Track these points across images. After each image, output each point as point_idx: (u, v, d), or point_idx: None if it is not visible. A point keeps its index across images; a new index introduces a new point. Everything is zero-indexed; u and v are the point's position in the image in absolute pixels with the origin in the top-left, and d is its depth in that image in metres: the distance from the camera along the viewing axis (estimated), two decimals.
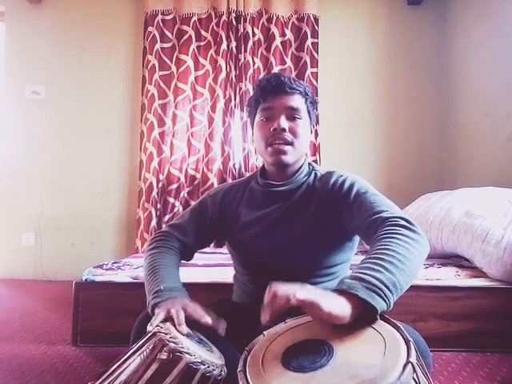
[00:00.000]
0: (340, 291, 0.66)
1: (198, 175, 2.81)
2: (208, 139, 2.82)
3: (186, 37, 2.87)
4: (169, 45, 2.86)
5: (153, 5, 2.86)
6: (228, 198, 1.09)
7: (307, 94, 1.01)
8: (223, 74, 2.82)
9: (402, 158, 2.96)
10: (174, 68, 2.85)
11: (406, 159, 2.95)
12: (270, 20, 2.87)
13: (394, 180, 2.91)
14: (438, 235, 1.81)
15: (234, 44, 2.82)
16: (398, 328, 0.61)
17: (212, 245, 2.57)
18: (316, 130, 2.78)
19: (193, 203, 1.18)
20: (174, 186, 2.78)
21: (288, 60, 2.87)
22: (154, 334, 0.71)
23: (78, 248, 2.90)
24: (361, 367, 0.54)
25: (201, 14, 2.88)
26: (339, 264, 1.02)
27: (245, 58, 2.82)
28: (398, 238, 0.76)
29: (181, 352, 0.67)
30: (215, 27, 2.86)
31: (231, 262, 1.16)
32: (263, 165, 1.09)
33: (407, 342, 0.56)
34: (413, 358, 0.53)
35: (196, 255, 1.13)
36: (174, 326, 0.75)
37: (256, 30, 2.85)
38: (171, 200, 2.77)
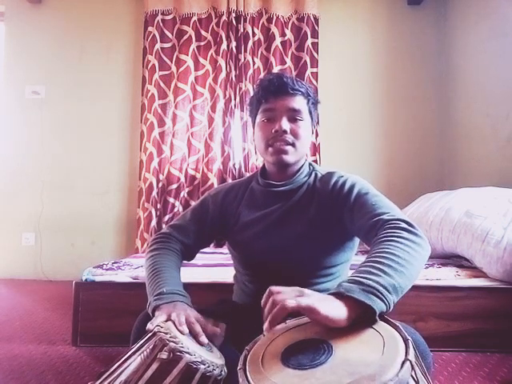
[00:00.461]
0: (337, 294, 0.66)
1: (198, 175, 2.82)
2: (208, 139, 2.82)
3: (185, 37, 2.87)
4: (169, 45, 2.86)
5: (153, 5, 2.87)
6: (229, 198, 1.09)
7: (309, 95, 1.01)
8: (223, 74, 2.82)
9: (402, 158, 2.96)
10: (173, 68, 2.85)
11: (405, 159, 2.95)
12: (269, 20, 2.87)
13: (394, 180, 2.91)
14: (438, 235, 1.81)
15: (233, 44, 2.82)
16: (396, 327, 0.61)
17: (212, 245, 2.57)
18: (316, 130, 2.78)
19: (193, 203, 1.18)
20: (174, 186, 2.78)
21: (288, 60, 2.87)
22: (155, 333, 0.71)
23: (78, 248, 2.90)
24: (359, 364, 0.54)
25: (201, 14, 2.89)
26: (339, 264, 1.02)
27: (245, 58, 2.82)
28: (398, 241, 0.75)
29: (181, 352, 0.67)
30: (215, 27, 2.86)
31: (231, 261, 1.16)
32: (263, 165, 1.09)
33: (405, 341, 0.57)
34: (411, 356, 0.53)
35: (196, 255, 1.13)
36: (175, 325, 0.75)
37: (256, 30, 2.85)
38: (171, 200, 2.77)
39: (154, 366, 0.66)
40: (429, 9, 2.99)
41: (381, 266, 0.70)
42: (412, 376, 0.52)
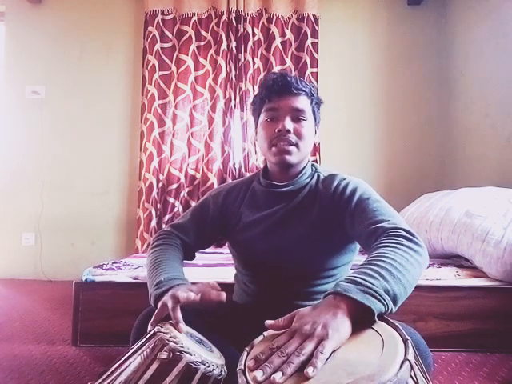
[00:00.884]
0: (335, 294, 0.66)
1: (198, 175, 2.82)
2: (208, 139, 2.82)
3: (185, 37, 2.87)
4: (169, 45, 2.86)
5: (153, 5, 2.87)
6: (230, 198, 1.09)
7: (313, 95, 1.00)
8: (223, 74, 2.82)
9: (402, 158, 2.96)
10: (174, 68, 2.85)
11: (405, 159, 2.95)
12: (269, 20, 2.88)
13: (394, 180, 2.91)
14: (438, 235, 1.81)
15: (233, 44, 2.82)
16: (396, 327, 0.61)
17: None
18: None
19: (194, 203, 1.18)
20: (174, 186, 2.78)
21: (288, 60, 2.87)
22: (154, 333, 0.71)
23: (78, 248, 2.90)
24: (359, 365, 0.54)
25: (201, 14, 2.89)
26: (340, 266, 1.01)
27: (245, 58, 2.82)
28: (397, 248, 0.75)
29: (181, 351, 0.67)
30: (215, 27, 2.86)
31: (231, 262, 1.16)
32: (265, 165, 1.08)
33: (405, 341, 0.57)
34: (410, 356, 0.53)
35: (196, 255, 1.13)
36: (174, 326, 0.75)
37: (256, 30, 2.86)
38: (171, 200, 2.77)
39: (154, 366, 0.66)
40: (429, 9, 2.99)
41: (378, 269, 0.69)
42: (411, 376, 0.52)
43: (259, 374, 0.55)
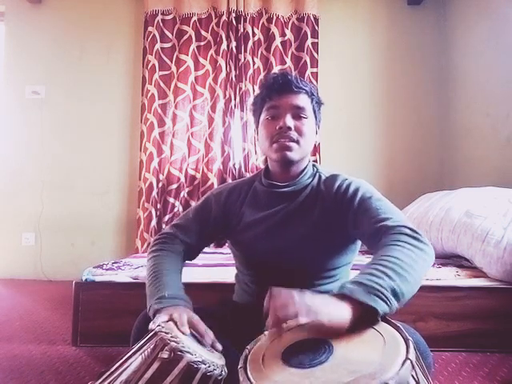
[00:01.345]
0: (340, 296, 0.66)
1: (198, 175, 2.82)
2: (208, 139, 2.82)
3: (186, 37, 2.87)
4: (169, 45, 2.86)
5: (153, 5, 2.86)
6: (232, 197, 1.09)
7: (313, 94, 1.01)
8: (223, 74, 2.82)
9: (402, 158, 2.96)
10: (174, 68, 2.85)
11: (405, 159, 2.95)
12: (269, 20, 2.88)
13: (394, 180, 2.91)
14: (438, 235, 1.81)
15: (234, 44, 2.82)
16: (397, 328, 0.61)
17: (212, 245, 2.57)
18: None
19: (194, 203, 1.18)
20: (174, 186, 2.78)
21: (288, 60, 2.87)
22: (156, 333, 0.71)
23: (78, 248, 2.90)
24: (360, 363, 0.54)
25: (201, 14, 2.89)
26: (341, 266, 1.02)
27: (245, 58, 2.82)
28: (402, 246, 0.75)
29: (182, 351, 0.67)
30: (215, 27, 2.86)
31: (231, 262, 1.16)
32: (267, 165, 1.09)
33: (406, 341, 0.57)
34: (411, 356, 0.53)
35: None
36: (176, 325, 0.75)
37: (256, 30, 2.85)
38: (171, 200, 2.77)
39: (155, 366, 0.66)
40: (429, 9, 2.99)
41: (384, 269, 0.70)
42: (412, 375, 0.53)
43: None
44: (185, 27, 2.87)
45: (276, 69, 2.84)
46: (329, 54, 2.95)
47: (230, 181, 2.71)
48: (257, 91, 1.07)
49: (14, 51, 2.98)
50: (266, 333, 0.72)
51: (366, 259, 1.66)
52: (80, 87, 2.97)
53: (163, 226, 2.70)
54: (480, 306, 1.46)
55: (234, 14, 2.83)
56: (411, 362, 0.53)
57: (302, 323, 0.61)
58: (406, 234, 0.79)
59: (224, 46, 2.82)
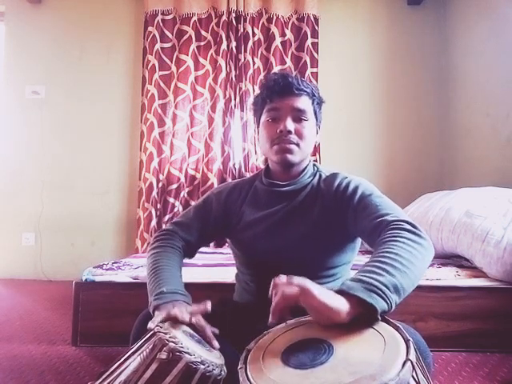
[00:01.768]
0: (340, 292, 0.66)
1: (198, 175, 2.82)
2: (208, 139, 2.82)
3: (186, 37, 2.87)
4: (169, 45, 2.86)
5: (153, 5, 2.86)
6: (232, 196, 1.09)
7: (314, 95, 1.01)
8: (223, 74, 2.82)
9: (402, 158, 2.96)
10: (174, 68, 2.85)
11: (405, 159, 2.95)
12: (269, 20, 2.87)
13: (394, 180, 2.91)
14: (438, 235, 1.81)
15: (234, 44, 2.82)
16: (397, 328, 0.61)
17: (212, 245, 2.57)
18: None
19: (195, 202, 1.18)
20: (174, 186, 2.78)
21: (288, 60, 2.87)
22: (154, 333, 0.71)
23: (78, 248, 2.90)
24: (360, 364, 0.54)
25: (201, 14, 2.89)
26: (341, 265, 1.02)
27: (245, 58, 2.82)
28: (401, 241, 0.76)
29: (180, 352, 0.67)
30: (215, 27, 2.86)
31: (231, 262, 1.16)
32: (267, 164, 1.09)
33: (406, 341, 0.57)
34: (412, 356, 0.53)
35: (196, 255, 1.13)
36: (174, 326, 0.75)
37: (256, 30, 2.85)
38: (171, 200, 2.77)
39: (154, 366, 0.66)
40: (429, 9, 2.99)
41: (384, 266, 0.70)
42: (413, 376, 0.52)
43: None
44: (185, 27, 2.87)
45: (276, 69, 2.84)
46: (329, 54, 2.95)
47: (230, 181, 2.71)
48: (257, 91, 1.07)
49: (14, 51, 2.98)
50: (265, 333, 0.72)
51: (366, 259, 1.66)
52: (80, 87, 2.97)
53: (163, 226, 2.70)
54: (480, 306, 1.46)
55: (234, 14, 2.83)
56: (412, 362, 0.53)
57: (299, 287, 0.64)
58: (406, 229, 0.79)
59: (224, 45, 2.82)
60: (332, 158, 2.86)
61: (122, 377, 0.65)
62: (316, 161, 2.78)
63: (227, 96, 2.84)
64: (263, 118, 1.01)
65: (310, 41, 2.85)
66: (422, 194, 2.36)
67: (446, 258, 1.87)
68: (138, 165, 2.87)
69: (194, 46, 2.85)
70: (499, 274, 1.50)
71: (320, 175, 1.04)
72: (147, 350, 0.68)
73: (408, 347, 0.56)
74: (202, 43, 2.87)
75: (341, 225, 0.95)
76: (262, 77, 2.83)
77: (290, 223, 0.99)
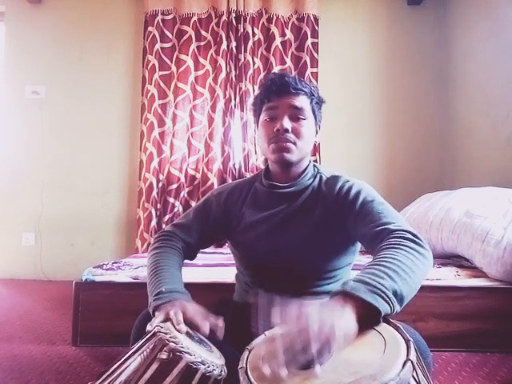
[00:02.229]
0: (342, 295, 0.66)
1: (198, 175, 2.81)
2: (208, 139, 2.82)
3: (186, 37, 2.87)
4: (169, 45, 2.86)
5: (153, 5, 2.86)
6: (232, 198, 1.09)
7: (313, 95, 1.01)
8: (223, 74, 2.82)
9: (402, 158, 2.96)
10: (174, 68, 2.85)
11: (405, 159, 2.95)
12: (269, 20, 2.87)
13: (394, 180, 2.91)
14: (438, 235, 1.81)
15: (233, 44, 2.82)
16: (397, 328, 0.61)
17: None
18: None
19: (195, 203, 1.18)
20: (174, 186, 2.78)
21: (288, 60, 2.87)
22: (154, 333, 0.71)
23: (78, 248, 2.90)
24: (361, 364, 0.54)
25: (201, 14, 2.89)
26: (341, 268, 1.01)
27: (245, 58, 2.82)
28: (404, 250, 0.76)
29: (181, 352, 0.67)
30: (215, 27, 2.86)
31: (231, 262, 1.16)
32: (267, 165, 1.08)
33: (407, 342, 0.57)
34: (412, 357, 0.53)
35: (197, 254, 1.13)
36: (174, 326, 0.75)
37: (256, 30, 2.85)
38: (171, 200, 2.77)
39: (154, 366, 0.66)
40: (429, 9, 2.99)
41: (386, 270, 0.70)
42: (413, 376, 0.52)
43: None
44: (185, 27, 2.87)
45: (276, 69, 2.84)
46: (329, 54, 2.95)
47: (230, 181, 2.71)
48: (257, 91, 1.07)
49: (14, 51, 2.98)
50: (266, 333, 0.72)
51: (366, 259, 1.66)
52: (80, 87, 2.97)
53: (163, 226, 2.70)
54: (480, 306, 1.46)
55: (234, 14, 2.83)
56: (412, 362, 0.53)
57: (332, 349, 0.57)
58: (408, 239, 0.79)
59: (224, 45, 2.82)
60: (332, 158, 2.86)
61: (123, 377, 0.65)
62: (316, 161, 2.78)
63: (227, 96, 2.84)
64: (261, 117, 1.01)
65: (309, 41, 2.85)
66: (422, 194, 2.36)
67: (446, 258, 1.87)
68: (137, 165, 2.87)
69: (193, 45, 2.85)
70: (499, 274, 1.50)
71: (321, 177, 1.04)
72: (148, 350, 0.68)
73: (408, 347, 0.56)
74: (202, 43, 2.87)
75: (341, 227, 0.95)
76: (261, 77, 2.83)
77: (291, 225, 0.99)
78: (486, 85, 2.45)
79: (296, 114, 0.97)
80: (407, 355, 0.54)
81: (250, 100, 2.72)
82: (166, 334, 0.70)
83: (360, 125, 2.98)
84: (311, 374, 0.55)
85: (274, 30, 2.86)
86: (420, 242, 0.80)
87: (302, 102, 0.98)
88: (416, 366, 0.53)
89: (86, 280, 1.52)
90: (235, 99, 2.84)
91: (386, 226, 0.84)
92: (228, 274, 1.45)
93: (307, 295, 0.97)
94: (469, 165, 2.62)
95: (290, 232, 0.98)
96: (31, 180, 2.92)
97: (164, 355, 0.66)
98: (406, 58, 2.99)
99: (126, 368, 0.67)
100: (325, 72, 2.90)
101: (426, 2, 2.97)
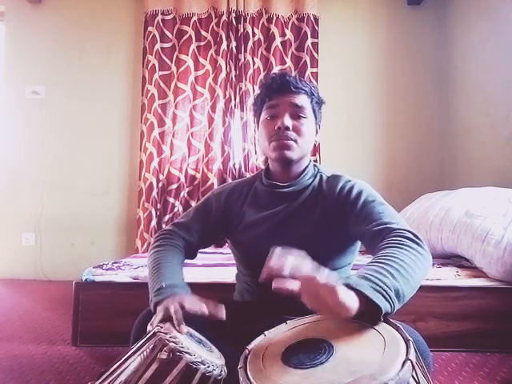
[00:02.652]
0: (347, 286, 0.65)
1: (198, 175, 2.81)
2: (208, 139, 2.82)
3: (186, 37, 2.87)
4: (169, 45, 2.86)
5: (153, 5, 2.86)
6: (232, 197, 1.09)
7: (313, 94, 1.01)
8: (223, 74, 2.82)
9: (402, 158, 2.96)
10: (174, 68, 2.85)
11: (405, 159, 2.95)
12: (269, 20, 2.87)
13: (394, 180, 2.91)
14: (438, 235, 1.81)
15: (233, 44, 2.82)
16: (397, 328, 0.61)
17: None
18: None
19: (195, 203, 1.18)
20: (174, 186, 2.78)
21: (288, 60, 2.87)
22: (154, 333, 0.71)
23: (78, 248, 2.90)
24: (360, 364, 0.54)
25: (201, 14, 2.89)
26: (341, 267, 1.02)
27: (245, 58, 2.82)
28: (405, 249, 0.76)
29: (181, 352, 0.67)
30: (215, 27, 2.86)
31: (231, 261, 1.16)
32: (268, 165, 1.09)
33: (406, 341, 0.57)
34: (412, 356, 0.53)
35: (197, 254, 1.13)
36: (174, 326, 0.75)
37: (256, 30, 2.85)
38: (171, 200, 2.77)
39: (154, 366, 0.66)
40: (429, 9, 2.99)
41: (389, 268, 0.70)
42: (413, 376, 0.53)
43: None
44: (185, 27, 2.87)
45: (276, 69, 2.84)
46: (329, 54, 2.95)
47: (230, 181, 2.71)
48: (257, 91, 1.08)
49: (14, 51, 2.98)
50: (266, 333, 0.72)
51: (366, 259, 1.66)
52: (80, 87, 2.97)
53: (163, 226, 2.70)
54: (480, 306, 1.46)
55: (233, 14, 2.83)
56: (412, 362, 0.53)
57: (327, 284, 0.61)
58: (409, 238, 0.79)
59: (224, 46, 2.82)
60: (332, 158, 2.86)
61: (123, 377, 0.65)
62: (316, 161, 2.78)
63: (227, 96, 2.84)
64: (262, 116, 1.02)
65: (309, 41, 2.85)
66: (422, 194, 2.36)
67: (446, 258, 1.87)
68: (137, 165, 2.87)
69: (193, 45, 2.85)
70: (499, 274, 1.50)
71: (321, 176, 1.04)
72: (147, 350, 0.68)
73: (408, 347, 0.56)
74: (202, 43, 2.87)
75: (342, 227, 0.95)
76: (261, 77, 2.83)
77: (291, 224, 0.99)
78: (486, 85, 2.45)
79: (297, 113, 0.98)
80: (406, 355, 0.54)
81: (250, 100, 2.72)
82: (165, 333, 0.70)
83: (360, 125, 2.98)
84: (311, 374, 0.55)
85: (274, 30, 2.86)
86: (420, 242, 0.80)
87: (302, 100, 0.98)
88: (415, 365, 0.53)
89: (86, 280, 1.52)
90: (235, 99, 2.84)
91: (387, 226, 0.85)
92: (228, 274, 1.45)
93: None
94: (469, 165, 2.62)
95: (290, 231, 0.98)
96: (31, 180, 2.92)
97: (164, 355, 0.66)
98: (406, 58, 2.99)
99: (125, 368, 0.67)
100: (325, 72, 2.90)
101: (426, 1, 2.97)
